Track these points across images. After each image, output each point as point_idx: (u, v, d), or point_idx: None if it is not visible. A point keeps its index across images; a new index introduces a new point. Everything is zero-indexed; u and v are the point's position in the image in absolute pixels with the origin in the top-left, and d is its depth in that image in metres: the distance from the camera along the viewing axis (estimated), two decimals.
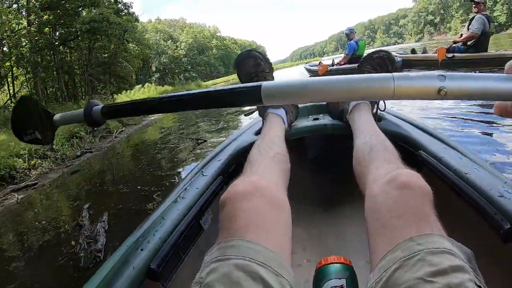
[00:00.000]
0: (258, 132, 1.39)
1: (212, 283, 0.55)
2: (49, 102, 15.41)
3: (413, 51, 8.90)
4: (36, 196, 5.27)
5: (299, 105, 1.55)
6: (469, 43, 7.06)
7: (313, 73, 11.67)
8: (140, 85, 20.68)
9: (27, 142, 0.81)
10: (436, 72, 0.44)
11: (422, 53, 8.58)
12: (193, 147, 5.83)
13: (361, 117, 1.17)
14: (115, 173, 5.21)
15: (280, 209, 0.74)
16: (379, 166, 0.83)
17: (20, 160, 6.29)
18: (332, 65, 10.27)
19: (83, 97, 17.01)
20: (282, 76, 22.13)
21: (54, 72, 18.79)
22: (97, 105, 0.72)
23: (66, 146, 7.32)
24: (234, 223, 0.66)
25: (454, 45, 7.38)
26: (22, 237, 3.81)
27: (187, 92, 0.60)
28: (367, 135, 1.02)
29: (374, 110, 1.28)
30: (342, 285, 0.64)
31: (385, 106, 1.28)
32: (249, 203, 0.69)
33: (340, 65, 9.99)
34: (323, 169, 1.53)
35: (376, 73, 1.12)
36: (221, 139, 6.06)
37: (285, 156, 1.01)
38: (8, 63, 16.37)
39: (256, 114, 1.44)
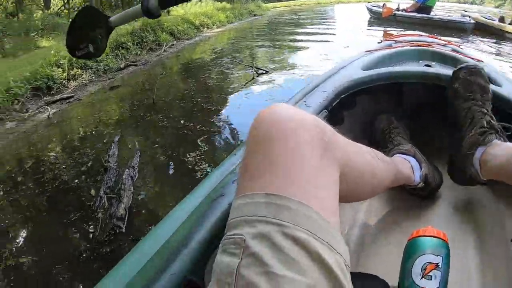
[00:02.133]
0: (365, 68, 1.33)
1: (262, 255, 0.41)
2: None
3: (502, 19, 8.05)
4: (69, 113, 4.65)
5: (409, 46, 1.55)
6: None
7: (375, 14, 11.03)
8: None
9: (79, 58, 0.86)
10: None
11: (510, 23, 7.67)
12: (251, 77, 4.85)
13: None
14: (156, 96, 4.37)
15: (335, 162, 0.55)
16: None
17: (59, 69, 5.68)
18: (398, 9, 9.56)
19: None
20: (344, 11, 20.10)
21: None
22: None
23: (110, 57, 6.61)
24: (283, 168, 0.48)
25: None
26: (36, 169, 3.14)
27: None
28: None
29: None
30: (438, 263, 0.59)
31: None
32: (306, 144, 0.51)
33: (407, 11, 9.33)
34: (421, 123, 1.33)
35: (467, 99, 1.01)
36: (286, 71, 5.04)
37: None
38: None
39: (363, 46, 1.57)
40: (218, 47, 8.36)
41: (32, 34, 9.42)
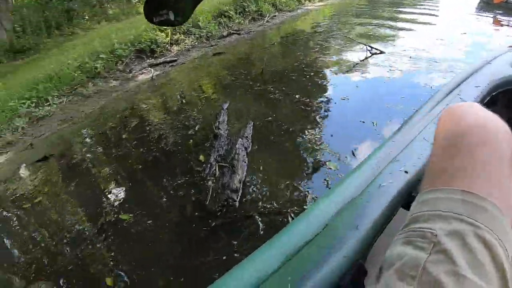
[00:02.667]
0: None
1: (453, 253, 0.40)
2: None
3: None
4: (172, 76, 4.59)
5: None
6: None
7: None
8: None
9: (155, 24, 0.80)
10: None
11: None
12: (364, 57, 4.40)
13: None
14: (265, 66, 4.11)
15: None
16: None
17: (163, 34, 5.79)
18: None
19: None
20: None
21: None
22: None
23: (213, 24, 6.53)
24: (484, 170, 0.47)
25: None
26: (141, 128, 3.06)
27: None
28: None
29: None
30: None
31: None
32: (504, 151, 0.49)
33: None
34: None
35: None
36: (401, 53, 4.48)
37: None
38: None
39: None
40: (322, 21, 7.89)
41: (134, 1, 9.81)
